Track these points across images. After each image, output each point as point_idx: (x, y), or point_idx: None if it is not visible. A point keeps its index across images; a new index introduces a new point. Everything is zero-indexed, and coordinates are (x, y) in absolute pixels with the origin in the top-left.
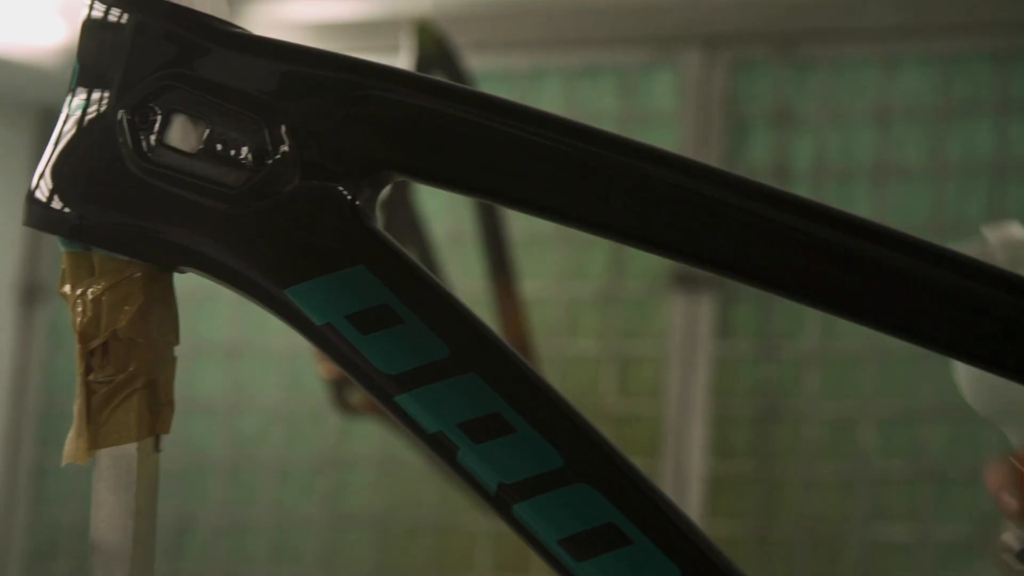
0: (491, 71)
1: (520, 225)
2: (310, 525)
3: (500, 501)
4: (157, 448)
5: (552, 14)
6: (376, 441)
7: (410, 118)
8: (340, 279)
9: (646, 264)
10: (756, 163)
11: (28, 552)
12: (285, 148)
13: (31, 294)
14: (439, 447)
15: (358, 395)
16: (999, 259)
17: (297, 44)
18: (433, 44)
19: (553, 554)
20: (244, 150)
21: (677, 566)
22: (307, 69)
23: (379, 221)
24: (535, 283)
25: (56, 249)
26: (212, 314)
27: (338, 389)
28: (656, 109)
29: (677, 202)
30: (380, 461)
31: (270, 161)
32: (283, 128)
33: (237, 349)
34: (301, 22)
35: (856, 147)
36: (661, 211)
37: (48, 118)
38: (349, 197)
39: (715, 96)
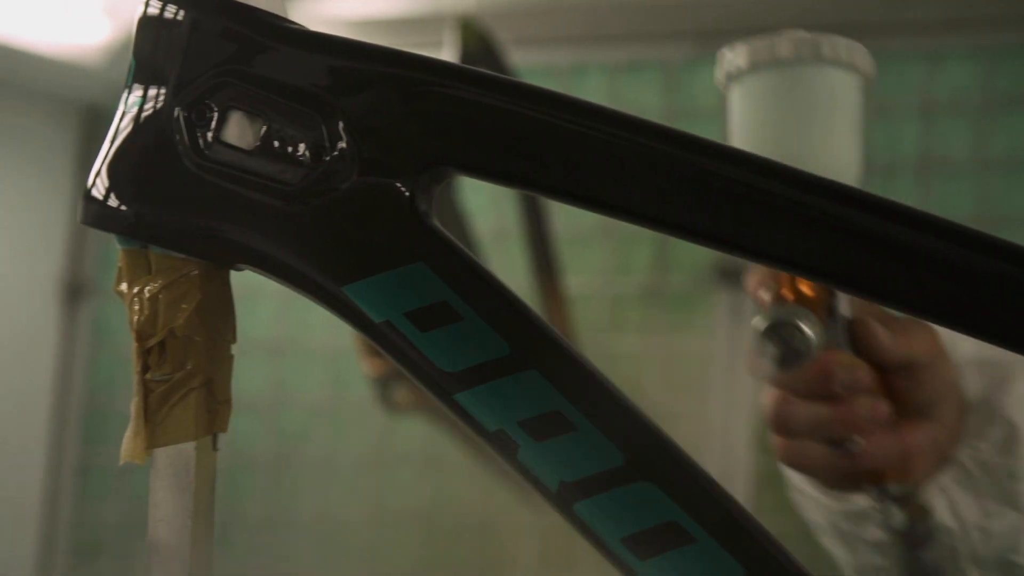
0: (533, 66)
1: (564, 221)
2: (355, 523)
3: (561, 499)
4: (215, 447)
5: (595, 9)
6: (421, 439)
7: (469, 114)
8: (398, 276)
9: (690, 259)
10: None
11: (73, 550)
12: (343, 144)
13: (74, 291)
14: (499, 445)
15: (403, 393)
16: (784, 50)
17: (355, 40)
18: (476, 40)
19: (616, 553)
20: (301, 147)
21: (741, 565)
22: (365, 65)
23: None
24: (579, 279)
25: (99, 246)
26: (255, 311)
27: (383, 387)
28: (699, 104)
29: (741, 196)
30: (425, 459)
31: (327, 158)
32: (341, 124)
33: (280, 346)
34: (345, 19)
35: (900, 141)
36: (722, 204)
37: (93, 116)
38: (407, 193)
39: None
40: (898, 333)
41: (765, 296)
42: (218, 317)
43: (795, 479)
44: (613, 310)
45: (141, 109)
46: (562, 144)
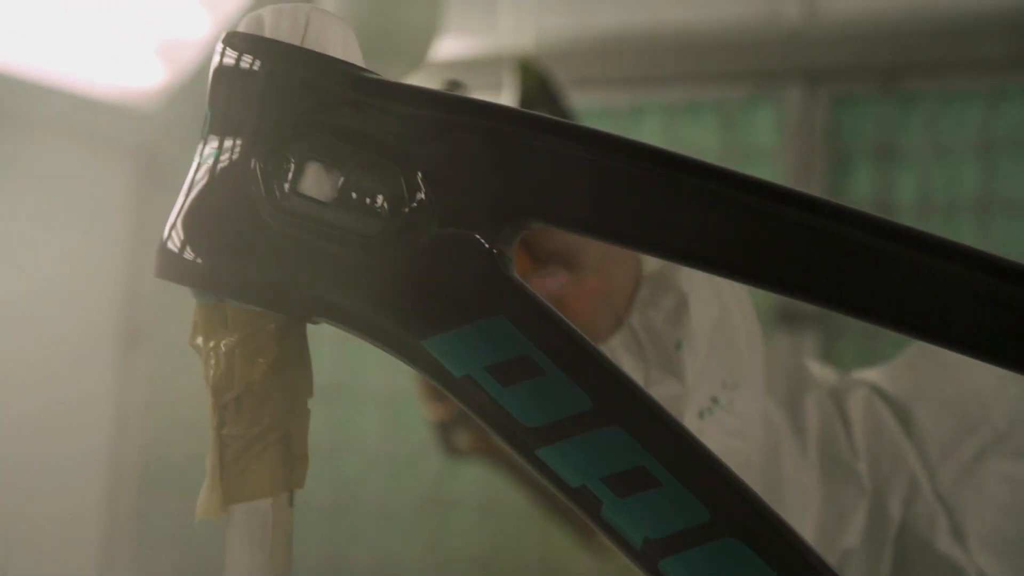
0: (591, 108)
1: None
2: (413, 568)
3: (646, 557)
4: (291, 503)
5: (652, 50)
6: (479, 483)
7: (550, 164)
8: (479, 330)
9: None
10: (859, 198)
11: None
12: (422, 196)
13: (130, 340)
14: (582, 502)
15: (465, 437)
16: None
17: (432, 89)
18: (536, 81)
19: None
20: (380, 198)
21: None
22: (443, 115)
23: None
24: None
25: (155, 293)
26: (312, 355)
27: (445, 431)
28: (757, 144)
29: (833, 249)
30: (484, 503)
31: (406, 209)
32: (420, 175)
33: (337, 391)
34: None
35: (960, 181)
36: (808, 254)
37: (147, 160)
38: (487, 245)
39: (817, 131)
40: None
41: None
42: (295, 371)
43: None
44: None
45: (217, 160)
46: (644, 195)
